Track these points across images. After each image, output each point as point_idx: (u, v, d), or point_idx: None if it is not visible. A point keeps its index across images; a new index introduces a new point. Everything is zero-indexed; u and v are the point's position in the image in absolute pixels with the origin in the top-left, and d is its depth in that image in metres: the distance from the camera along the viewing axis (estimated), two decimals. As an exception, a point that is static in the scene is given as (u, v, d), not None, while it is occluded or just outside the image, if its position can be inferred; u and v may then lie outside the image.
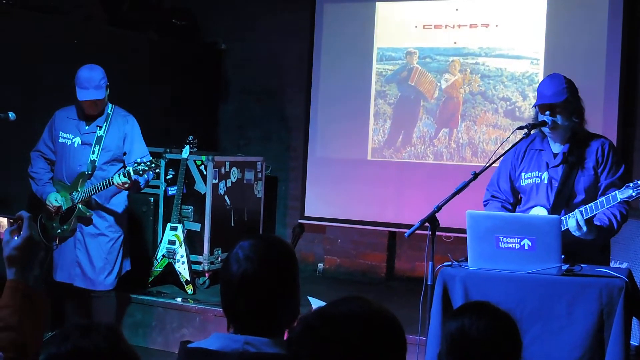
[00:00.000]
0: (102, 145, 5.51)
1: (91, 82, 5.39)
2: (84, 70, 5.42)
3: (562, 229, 3.97)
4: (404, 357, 1.67)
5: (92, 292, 5.60)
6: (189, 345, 2.21)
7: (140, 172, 5.22)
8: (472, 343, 2.41)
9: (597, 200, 4.07)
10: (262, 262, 2.17)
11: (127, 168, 5.30)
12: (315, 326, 1.65)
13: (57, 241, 5.55)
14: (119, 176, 5.26)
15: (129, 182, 5.25)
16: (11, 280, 2.16)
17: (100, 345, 1.70)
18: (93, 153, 5.49)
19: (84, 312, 5.79)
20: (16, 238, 2.20)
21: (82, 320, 5.64)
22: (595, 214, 4.08)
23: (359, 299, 1.71)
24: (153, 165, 5.23)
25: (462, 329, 2.43)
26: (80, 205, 5.45)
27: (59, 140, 5.59)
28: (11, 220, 2.23)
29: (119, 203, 5.63)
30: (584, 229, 4.01)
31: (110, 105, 5.62)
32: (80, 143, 5.54)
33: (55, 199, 5.48)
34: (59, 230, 5.50)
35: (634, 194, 3.97)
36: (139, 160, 5.29)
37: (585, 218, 4.03)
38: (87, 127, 5.55)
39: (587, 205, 4.08)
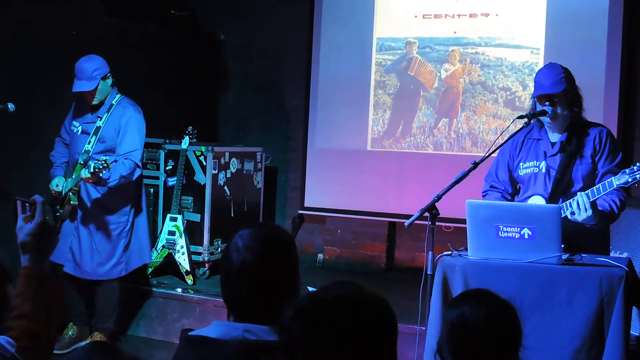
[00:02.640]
0: (98, 136, 5.55)
1: (83, 73, 5.47)
2: (80, 62, 5.51)
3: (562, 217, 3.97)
4: (395, 340, 1.67)
5: (95, 280, 5.65)
6: (189, 333, 2.22)
7: (97, 170, 5.16)
8: (472, 330, 2.41)
9: (594, 187, 4.07)
10: (261, 251, 2.17)
11: (91, 163, 5.27)
12: (306, 310, 1.64)
13: (59, 223, 5.59)
14: (87, 170, 5.26)
15: (90, 178, 5.23)
16: (25, 267, 2.13)
17: None
18: (89, 143, 5.55)
19: (86, 300, 5.83)
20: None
21: (86, 311, 5.77)
22: (595, 200, 4.08)
23: (350, 283, 1.71)
24: (105, 165, 5.14)
25: (462, 316, 2.43)
26: (70, 193, 5.49)
27: (71, 127, 5.71)
28: (26, 204, 2.20)
29: (120, 195, 5.63)
30: (590, 212, 4.00)
31: (117, 95, 5.66)
32: (81, 132, 5.59)
33: (56, 184, 5.55)
34: (58, 214, 5.55)
35: (630, 179, 3.97)
36: (103, 158, 5.21)
37: (589, 201, 4.02)
38: (90, 117, 5.62)
39: (584, 192, 4.07)
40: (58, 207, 5.54)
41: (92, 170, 5.15)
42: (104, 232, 5.63)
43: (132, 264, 5.81)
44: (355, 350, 1.58)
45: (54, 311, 2.12)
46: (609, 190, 4.03)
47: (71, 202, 5.52)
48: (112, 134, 5.56)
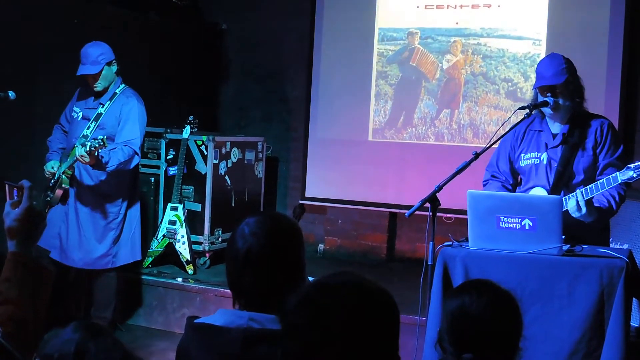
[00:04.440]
0: (98, 122, 5.54)
1: (88, 57, 5.49)
2: (85, 47, 5.53)
3: (562, 210, 3.97)
4: (397, 331, 1.66)
5: (90, 269, 5.65)
6: (195, 321, 2.22)
7: (93, 148, 5.10)
8: (473, 320, 2.41)
9: (597, 182, 4.07)
10: (267, 239, 2.17)
11: (87, 142, 5.20)
12: (312, 296, 1.64)
13: (47, 208, 5.58)
14: (83, 148, 5.19)
15: (87, 157, 5.15)
16: (12, 253, 2.12)
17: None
18: (88, 128, 5.54)
19: (83, 290, 5.84)
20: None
21: (83, 302, 5.77)
22: (594, 195, 4.08)
23: (351, 272, 1.71)
24: (102, 143, 5.09)
25: (463, 306, 2.43)
26: (63, 176, 5.48)
27: (71, 114, 5.70)
28: (14, 188, 2.19)
29: (113, 186, 5.61)
30: (584, 210, 4.01)
31: (122, 85, 5.65)
32: (81, 117, 5.59)
33: (51, 167, 5.54)
34: (48, 198, 5.54)
35: (634, 175, 3.96)
36: (100, 137, 5.17)
37: (585, 199, 4.02)
38: (92, 103, 5.61)
39: (587, 187, 4.07)
40: (49, 192, 5.54)
41: (88, 149, 5.10)
42: (93, 220, 5.60)
43: (121, 258, 5.76)
44: (360, 335, 1.58)
45: (41, 297, 2.11)
46: (613, 185, 4.03)
47: (63, 186, 5.50)
48: (112, 122, 5.55)
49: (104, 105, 5.57)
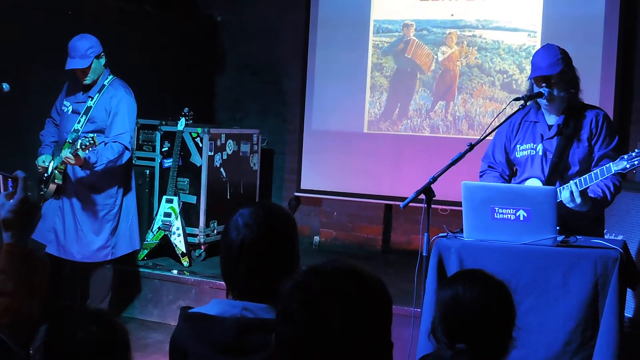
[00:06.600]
0: (88, 116, 5.52)
1: (77, 51, 5.44)
2: (73, 40, 5.48)
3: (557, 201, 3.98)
4: (390, 320, 1.67)
5: (87, 262, 5.64)
6: (189, 311, 2.23)
7: (83, 147, 5.10)
8: (466, 310, 2.41)
9: (591, 172, 4.08)
10: (261, 230, 2.17)
11: (77, 141, 5.22)
12: (306, 281, 1.64)
13: (41, 202, 5.57)
14: (69, 150, 5.21)
15: (72, 159, 5.16)
16: (7, 244, 2.11)
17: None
18: (78, 122, 5.52)
19: (78, 282, 5.83)
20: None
21: (75, 296, 5.76)
22: (589, 186, 4.09)
23: (343, 260, 1.72)
24: (92, 142, 5.10)
25: (456, 296, 2.43)
26: (56, 171, 5.47)
27: (62, 107, 5.67)
28: (8, 179, 2.18)
29: (106, 178, 5.59)
30: (578, 200, 4.02)
31: (110, 77, 5.62)
32: (71, 111, 5.57)
33: (42, 160, 5.51)
34: (41, 192, 5.54)
35: (628, 165, 3.97)
36: (90, 135, 5.17)
37: (579, 190, 4.03)
38: (81, 97, 5.58)
39: (581, 177, 4.08)
40: (42, 186, 5.53)
41: (77, 147, 5.10)
42: (89, 213, 5.58)
43: (121, 249, 5.76)
44: (353, 319, 1.59)
45: (37, 289, 2.11)
46: (606, 175, 4.04)
47: (56, 181, 5.49)
48: (102, 114, 5.53)
49: (93, 99, 5.54)
